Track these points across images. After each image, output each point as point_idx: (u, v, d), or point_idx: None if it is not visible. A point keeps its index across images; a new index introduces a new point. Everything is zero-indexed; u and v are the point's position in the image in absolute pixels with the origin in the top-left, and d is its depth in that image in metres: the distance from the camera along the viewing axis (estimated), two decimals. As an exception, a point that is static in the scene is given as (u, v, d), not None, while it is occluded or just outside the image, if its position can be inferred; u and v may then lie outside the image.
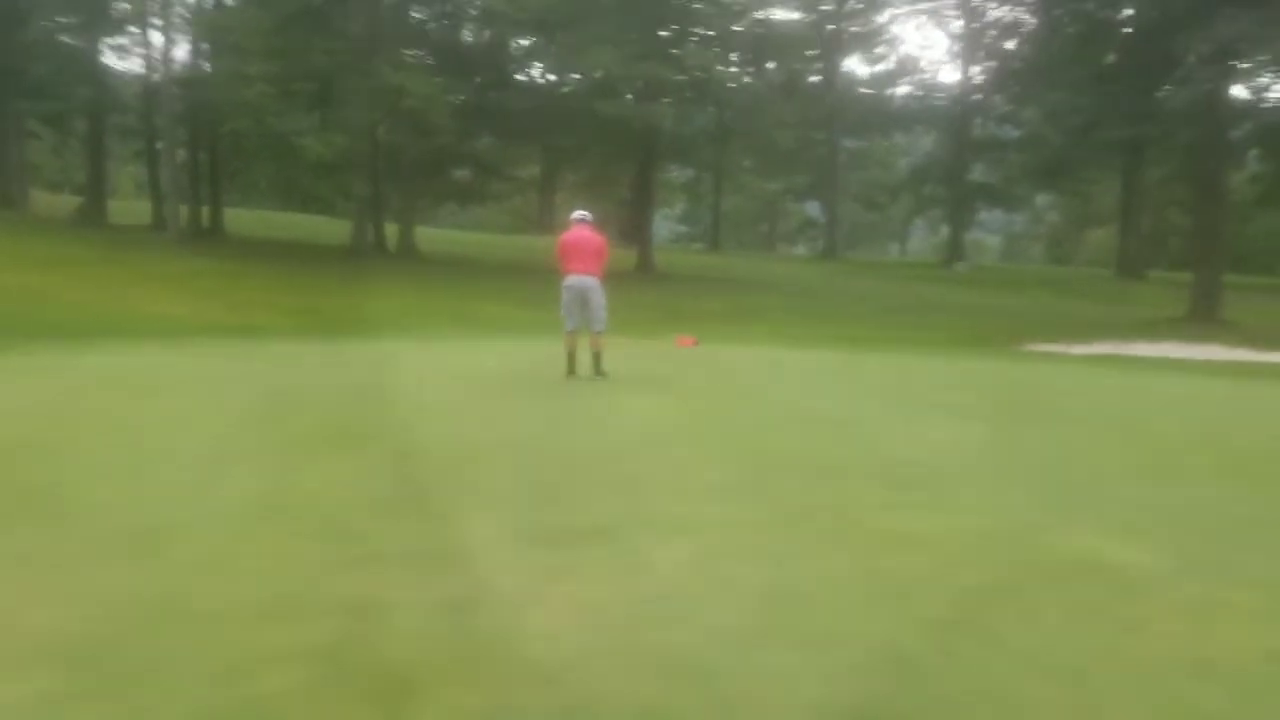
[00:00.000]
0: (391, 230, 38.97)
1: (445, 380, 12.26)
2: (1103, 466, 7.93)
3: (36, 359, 13.91)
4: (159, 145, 38.87)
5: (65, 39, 40.58)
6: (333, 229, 42.31)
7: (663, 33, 37.76)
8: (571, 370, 12.38)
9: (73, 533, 5.38)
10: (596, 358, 12.44)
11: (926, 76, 58.67)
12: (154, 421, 9.04)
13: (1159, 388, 14.13)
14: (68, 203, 44.56)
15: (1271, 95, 33.95)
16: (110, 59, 41.75)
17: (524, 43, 41.61)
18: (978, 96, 53.41)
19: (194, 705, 3.44)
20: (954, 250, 54.21)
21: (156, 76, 37.30)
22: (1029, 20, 36.40)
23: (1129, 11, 29.84)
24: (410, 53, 36.46)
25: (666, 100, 36.13)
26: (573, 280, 12.41)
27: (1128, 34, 30.10)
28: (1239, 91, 31.16)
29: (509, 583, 4.67)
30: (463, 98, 37.87)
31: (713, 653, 3.90)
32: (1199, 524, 6.13)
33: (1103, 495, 6.83)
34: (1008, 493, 6.81)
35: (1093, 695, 3.66)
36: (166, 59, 36.87)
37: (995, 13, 46.67)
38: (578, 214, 12.82)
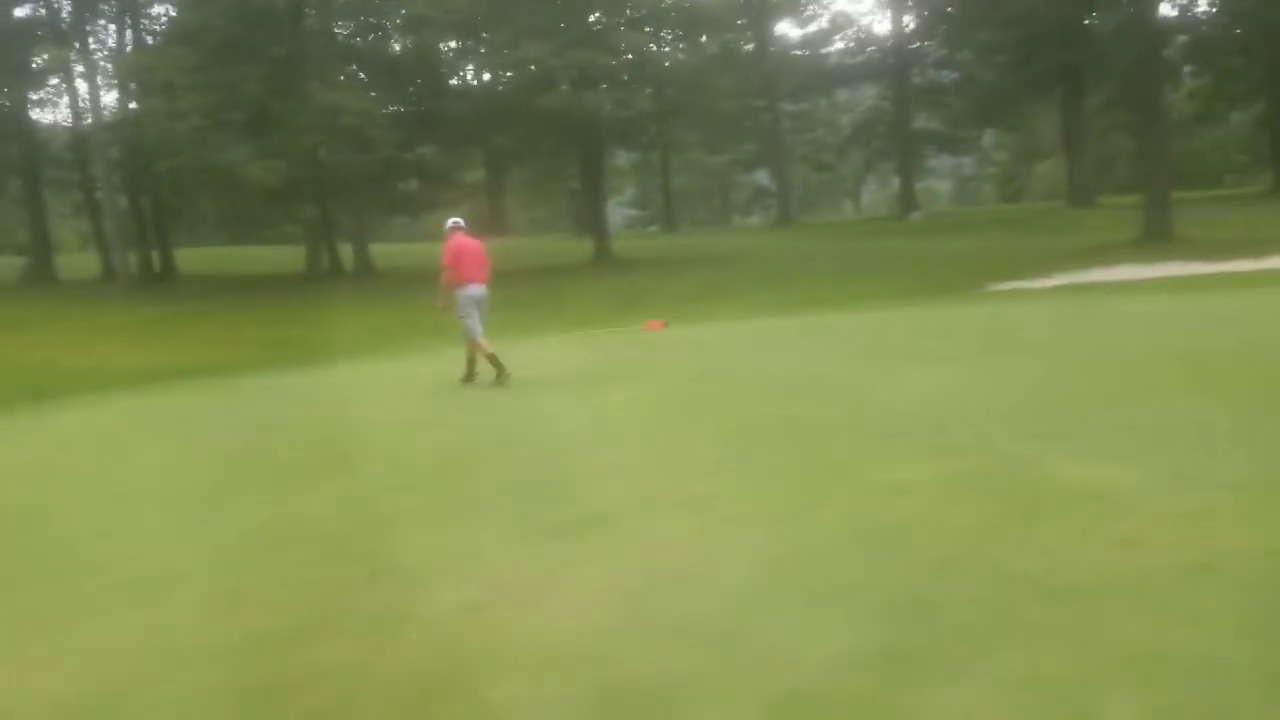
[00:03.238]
0: (346, 250, 38.79)
1: (422, 394, 12.27)
2: (1079, 393, 8.08)
3: (7, 422, 13.70)
4: (98, 194, 38.40)
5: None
6: (287, 256, 42.00)
7: (591, 18, 37.65)
8: (501, 371, 11.76)
9: (78, 589, 5.38)
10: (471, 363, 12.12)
11: (859, 31, 58.67)
12: (138, 471, 8.96)
13: (1123, 310, 14.34)
14: (12, 264, 43.89)
15: (1198, 9, 34.38)
16: (36, 113, 41.00)
17: (453, 45, 41.40)
18: (913, 45, 53.64)
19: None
20: (906, 201, 54.42)
21: (86, 124, 36.83)
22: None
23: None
24: (341, 70, 36.20)
25: (604, 86, 35.95)
26: (475, 290, 11.97)
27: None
28: (1167, 10, 31.47)
29: (521, 578, 4.74)
30: (399, 108, 37.63)
31: (731, 617, 3.99)
32: (1179, 438, 6.27)
33: (1084, 421, 6.97)
34: (993, 431, 6.94)
35: (1098, 610, 3.77)
36: (94, 106, 36.44)
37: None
38: (454, 221, 12.45)
